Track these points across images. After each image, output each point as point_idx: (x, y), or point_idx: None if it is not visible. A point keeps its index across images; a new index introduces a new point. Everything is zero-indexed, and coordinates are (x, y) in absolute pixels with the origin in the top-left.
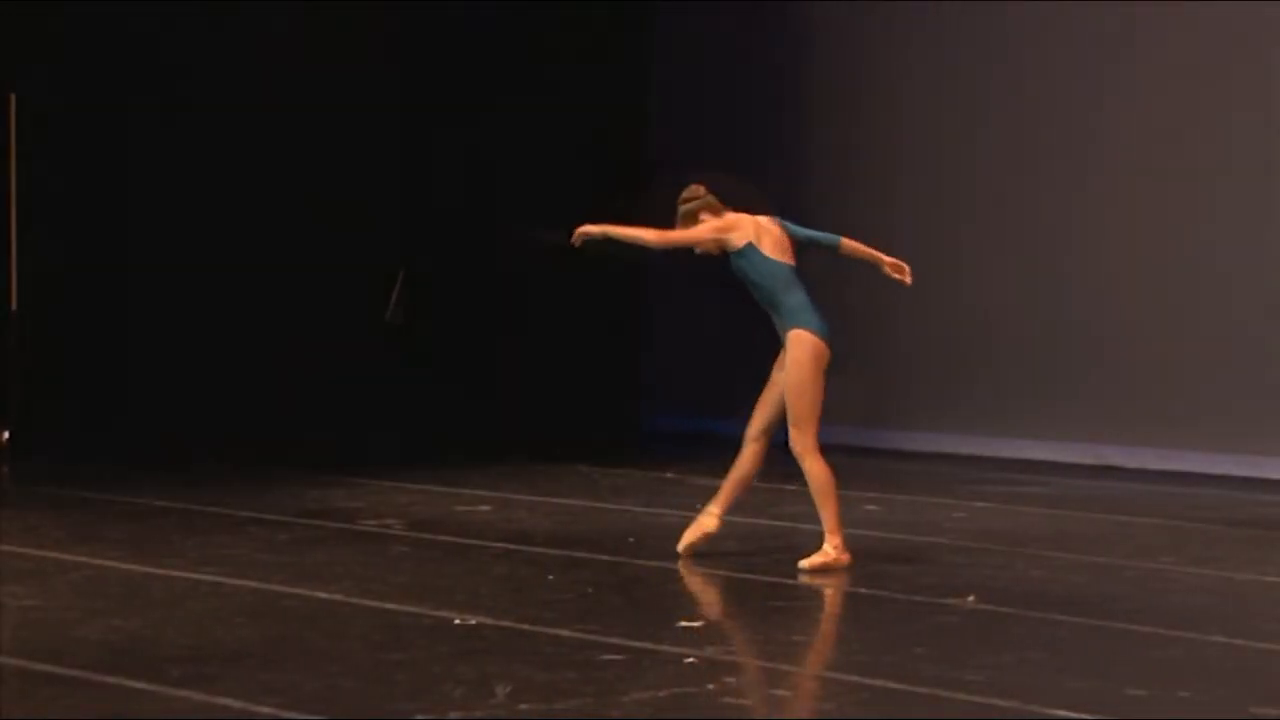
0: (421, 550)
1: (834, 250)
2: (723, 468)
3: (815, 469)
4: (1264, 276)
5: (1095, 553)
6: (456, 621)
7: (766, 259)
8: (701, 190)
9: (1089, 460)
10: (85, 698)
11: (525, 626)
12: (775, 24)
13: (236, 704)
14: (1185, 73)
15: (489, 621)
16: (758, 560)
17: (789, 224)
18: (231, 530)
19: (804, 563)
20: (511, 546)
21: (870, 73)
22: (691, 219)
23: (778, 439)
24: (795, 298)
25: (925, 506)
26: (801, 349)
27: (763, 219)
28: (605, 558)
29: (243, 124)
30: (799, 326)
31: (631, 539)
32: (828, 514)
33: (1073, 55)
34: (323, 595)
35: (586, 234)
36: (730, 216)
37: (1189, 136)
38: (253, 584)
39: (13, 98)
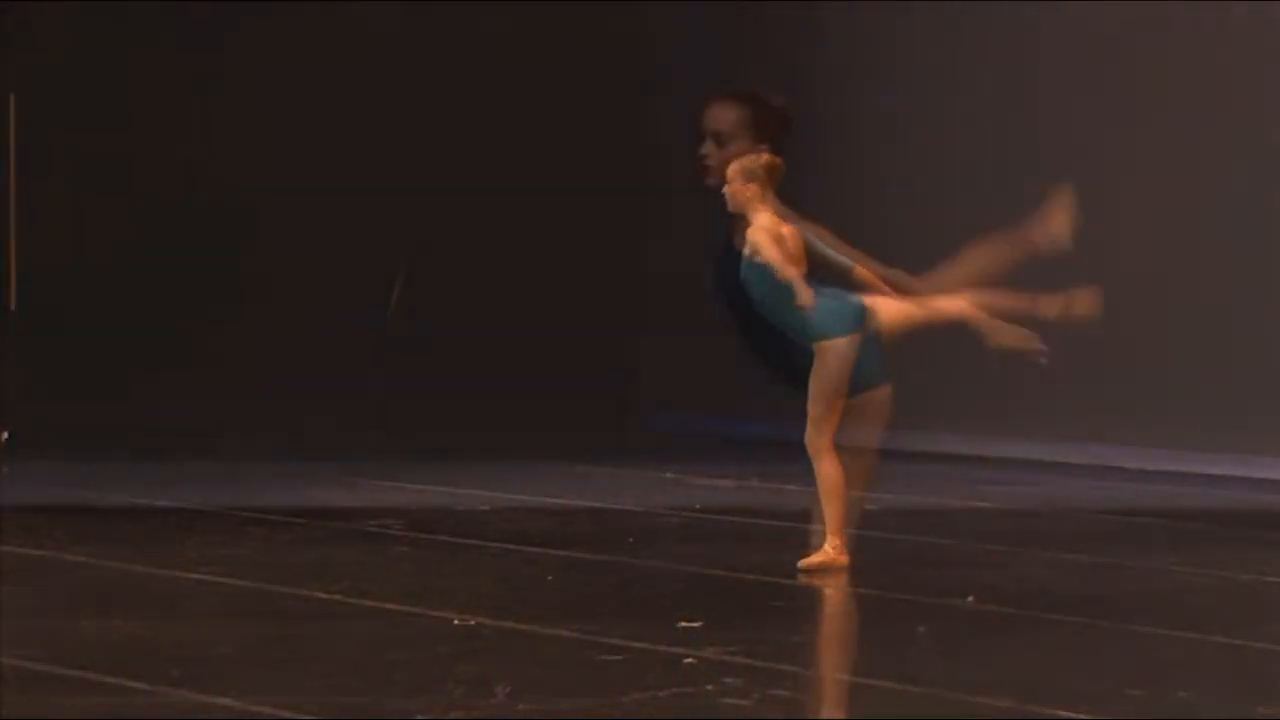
0: (421, 550)
1: (845, 275)
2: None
3: (827, 469)
4: (1265, 275)
5: (1095, 553)
6: (456, 621)
7: (778, 284)
8: (774, 167)
9: (1089, 460)
10: (85, 698)
11: (525, 626)
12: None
13: (236, 704)
14: (1182, 73)
15: (489, 621)
16: (758, 560)
17: (813, 240)
18: (231, 530)
19: (803, 562)
20: (511, 546)
21: (864, 69)
22: (743, 179)
23: (795, 436)
24: (800, 314)
25: (925, 506)
26: (825, 359)
27: (785, 230)
28: (605, 558)
29: (243, 123)
30: (820, 339)
31: (631, 539)
32: (832, 514)
33: (1066, 57)
34: (322, 595)
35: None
36: (768, 220)
37: (1187, 136)
38: (253, 584)
39: (12, 98)
